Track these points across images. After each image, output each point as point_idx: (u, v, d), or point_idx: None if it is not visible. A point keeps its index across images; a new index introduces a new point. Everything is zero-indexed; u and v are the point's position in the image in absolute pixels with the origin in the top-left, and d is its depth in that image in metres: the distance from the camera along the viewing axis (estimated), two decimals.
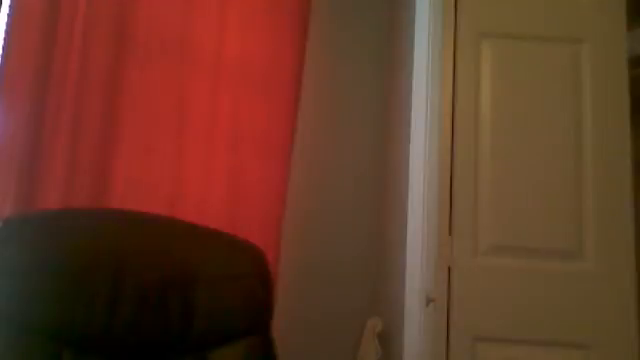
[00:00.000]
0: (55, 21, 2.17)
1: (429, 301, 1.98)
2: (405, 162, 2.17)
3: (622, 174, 2.06)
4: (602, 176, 2.06)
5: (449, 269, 2.01)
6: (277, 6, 2.41)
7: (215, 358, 1.58)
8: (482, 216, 2.04)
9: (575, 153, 2.08)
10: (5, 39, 2.13)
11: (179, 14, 2.31)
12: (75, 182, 2.13)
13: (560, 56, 2.14)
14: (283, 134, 2.34)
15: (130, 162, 2.20)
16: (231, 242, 1.75)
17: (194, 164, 2.25)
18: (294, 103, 2.39)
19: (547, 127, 2.09)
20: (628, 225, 2.02)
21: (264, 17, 2.39)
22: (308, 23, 2.47)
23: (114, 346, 1.44)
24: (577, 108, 2.11)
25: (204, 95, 2.30)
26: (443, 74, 2.13)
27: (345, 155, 2.61)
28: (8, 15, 2.14)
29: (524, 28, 2.16)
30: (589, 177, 2.06)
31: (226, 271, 1.66)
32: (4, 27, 2.14)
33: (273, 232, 2.25)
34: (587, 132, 2.09)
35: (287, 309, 2.37)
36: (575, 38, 2.15)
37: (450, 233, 2.04)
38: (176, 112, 2.27)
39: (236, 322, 1.64)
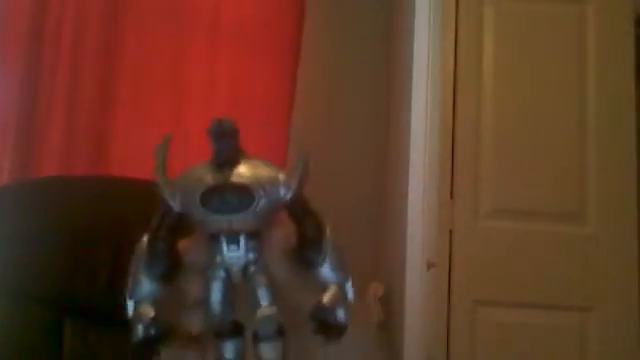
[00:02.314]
0: None
1: (430, 265, 1.98)
2: (407, 126, 2.14)
3: (626, 137, 2.04)
4: (605, 139, 2.04)
5: (450, 233, 2.01)
6: None
7: None
8: (483, 179, 2.02)
9: (579, 115, 2.05)
10: None
11: None
12: (72, 148, 2.11)
13: (564, 17, 2.10)
14: (282, 98, 2.31)
15: (128, 127, 2.19)
16: None
17: (193, 128, 2.23)
18: (293, 67, 2.36)
19: (551, 89, 2.06)
20: (631, 189, 2.00)
21: None
22: None
23: (115, 314, 1.44)
24: (581, 69, 2.07)
25: (202, 58, 2.27)
26: (445, 37, 2.09)
27: (346, 120, 2.59)
28: None
29: None
30: (592, 140, 2.03)
31: None
32: None
33: None
34: (591, 94, 2.06)
35: None
36: None
37: (451, 196, 2.02)
38: (174, 76, 2.25)
39: None
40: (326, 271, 0.98)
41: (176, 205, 0.94)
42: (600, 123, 2.04)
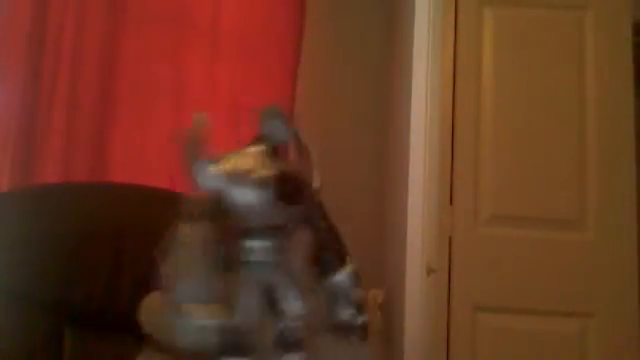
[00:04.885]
0: None
1: (430, 271, 1.98)
2: (406, 132, 2.15)
3: (625, 143, 2.04)
4: (605, 145, 2.04)
5: (450, 239, 2.01)
6: None
7: None
8: (483, 186, 2.03)
9: (578, 122, 2.05)
10: None
11: None
12: (72, 154, 2.11)
13: (564, 22, 2.11)
14: (282, 102, 2.31)
15: (128, 133, 2.19)
16: None
17: None
18: (293, 71, 2.36)
19: (550, 95, 2.07)
20: (630, 195, 2.00)
21: None
22: None
23: (115, 320, 1.44)
24: (580, 75, 2.07)
25: (202, 63, 2.27)
26: (444, 42, 2.10)
27: (346, 125, 2.59)
28: None
29: None
30: (592, 146, 2.04)
31: None
32: None
33: None
34: (590, 100, 2.06)
35: None
36: (579, 4, 2.11)
37: (451, 203, 2.02)
38: (174, 81, 2.25)
39: None
40: (341, 275, 0.92)
41: (230, 193, 0.80)
42: (599, 129, 2.04)
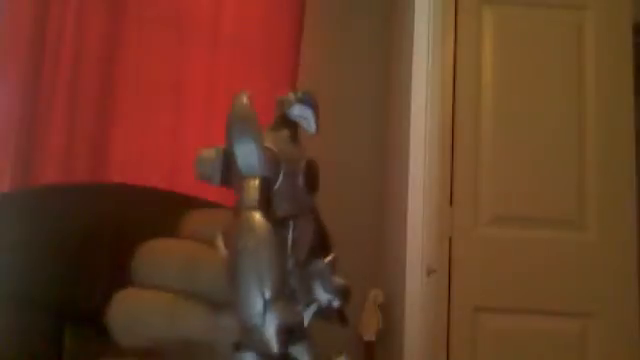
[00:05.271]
0: None
1: (430, 272, 1.98)
2: (406, 133, 2.15)
3: (625, 143, 2.04)
4: (605, 145, 2.04)
5: (450, 240, 2.01)
6: None
7: None
8: (483, 186, 2.03)
9: (578, 122, 2.05)
10: None
11: None
12: (73, 154, 2.11)
13: (563, 22, 2.11)
14: None
15: (128, 134, 2.19)
16: (229, 215, 1.74)
17: (193, 135, 2.24)
18: (293, 76, 2.36)
19: (550, 96, 2.07)
20: (630, 195, 2.00)
21: None
22: None
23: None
24: (580, 75, 2.08)
25: (202, 65, 2.27)
26: (444, 43, 2.10)
27: (345, 127, 2.59)
28: None
29: None
30: (592, 146, 2.04)
31: None
32: None
33: None
34: (590, 100, 2.06)
35: None
36: (579, 4, 2.11)
37: (451, 203, 2.03)
38: (174, 83, 2.25)
39: None
40: (323, 263, 0.89)
41: (280, 178, 0.74)
42: (599, 129, 2.05)
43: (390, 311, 2.22)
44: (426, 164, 2.05)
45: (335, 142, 2.55)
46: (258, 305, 0.63)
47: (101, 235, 1.55)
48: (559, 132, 2.05)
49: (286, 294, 0.66)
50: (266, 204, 0.70)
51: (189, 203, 1.69)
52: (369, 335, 2.24)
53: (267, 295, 0.65)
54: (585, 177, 2.03)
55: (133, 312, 0.74)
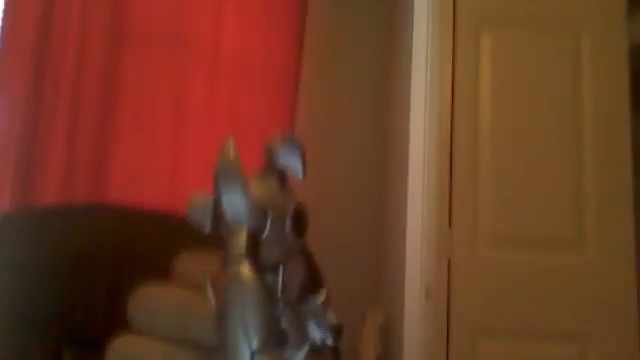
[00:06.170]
0: (51, 12, 2.16)
1: (429, 293, 1.98)
2: (405, 154, 2.16)
3: (622, 163, 2.05)
4: (602, 166, 2.05)
5: (449, 261, 2.01)
6: None
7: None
8: (482, 208, 2.03)
9: (575, 143, 2.06)
10: (0, 30, 2.12)
11: (175, 6, 2.29)
12: (73, 175, 2.12)
13: (560, 46, 2.13)
14: (281, 125, 2.33)
15: (128, 155, 2.20)
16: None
17: (193, 156, 2.25)
18: (293, 95, 2.38)
19: (547, 117, 2.08)
20: (628, 216, 2.01)
21: (261, 8, 2.37)
22: (305, 17, 2.46)
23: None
24: (577, 97, 2.09)
25: (202, 86, 2.29)
26: (442, 64, 2.11)
27: (345, 148, 2.60)
28: (4, 5, 2.14)
29: (524, 18, 2.14)
30: (589, 168, 2.04)
31: None
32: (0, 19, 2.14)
33: None
34: (587, 121, 2.07)
35: None
36: (575, 28, 2.13)
37: (450, 225, 2.03)
38: (174, 104, 2.26)
39: None
40: (316, 300, 0.89)
41: (267, 226, 0.72)
42: (597, 151, 2.06)
43: (389, 333, 2.21)
44: (425, 185, 2.06)
45: (333, 162, 2.56)
46: (245, 355, 0.61)
47: (99, 257, 1.55)
48: (557, 154, 2.06)
49: (274, 341, 0.66)
50: (254, 252, 0.70)
51: (186, 226, 1.69)
52: None
53: (254, 345, 0.64)
54: (583, 198, 2.03)
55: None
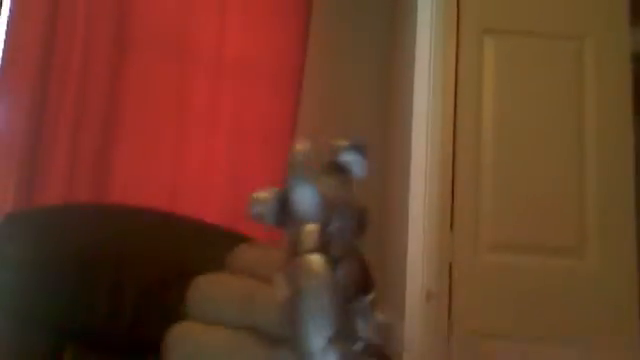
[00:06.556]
0: (55, 17, 2.17)
1: (430, 298, 1.98)
2: (407, 158, 2.16)
3: (625, 170, 2.05)
4: (605, 173, 2.05)
5: (450, 265, 2.01)
6: (277, 3, 2.41)
7: None
8: (483, 212, 2.03)
9: (578, 149, 2.06)
10: (6, 35, 2.13)
11: (179, 11, 2.31)
12: (76, 177, 2.13)
13: (563, 52, 2.13)
14: (284, 130, 2.33)
15: (131, 156, 2.21)
16: (230, 237, 1.75)
17: (195, 157, 2.25)
18: (295, 98, 2.38)
19: (550, 124, 2.08)
20: (630, 223, 2.01)
21: (264, 13, 2.38)
22: (309, 21, 2.46)
23: (116, 342, 1.44)
24: (580, 104, 2.09)
25: (204, 90, 2.30)
26: (445, 70, 2.12)
27: None
28: (9, 11, 2.15)
29: (527, 24, 2.15)
30: (592, 174, 2.05)
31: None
32: (5, 23, 2.15)
33: None
34: (590, 127, 2.08)
35: None
36: (578, 34, 2.13)
37: (451, 229, 2.03)
38: (177, 107, 2.27)
39: None
40: (365, 301, 0.90)
41: (333, 222, 0.77)
42: (599, 157, 2.06)
43: (389, 336, 2.21)
44: (427, 189, 2.06)
45: None
46: (320, 343, 0.63)
47: (103, 259, 1.56)
48: (559, 159, 2.06)
49: (345, 333, 0.69)
50: (323, 247, 0.74)
51: (186, 225, 1.71)
52: None
53: (328, 334, 0.67)
54: (585, 205, 2.03)
55: (194, 347, 0.76)
